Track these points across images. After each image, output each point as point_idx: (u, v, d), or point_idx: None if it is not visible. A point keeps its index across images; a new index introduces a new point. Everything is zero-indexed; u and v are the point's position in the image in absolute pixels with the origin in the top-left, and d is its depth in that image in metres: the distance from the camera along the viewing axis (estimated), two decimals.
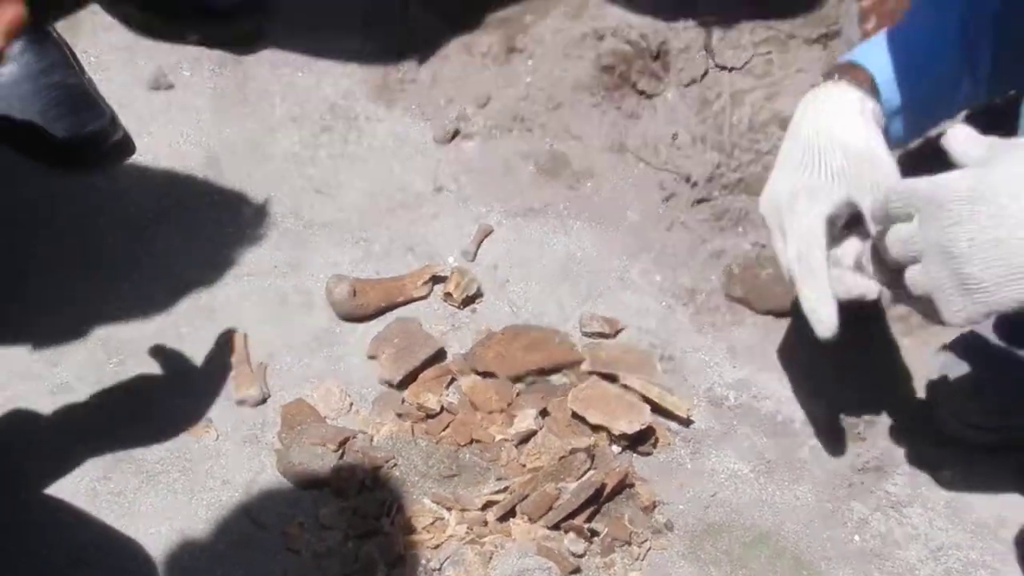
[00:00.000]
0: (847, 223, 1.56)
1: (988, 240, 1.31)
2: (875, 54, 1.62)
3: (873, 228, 1.49)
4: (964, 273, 1.33)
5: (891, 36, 1.63)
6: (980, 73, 1.66)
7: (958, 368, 1.77)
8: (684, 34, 2.14)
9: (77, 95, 1.94)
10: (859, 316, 1.81)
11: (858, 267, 1.53)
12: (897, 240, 1.38)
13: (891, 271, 1.44)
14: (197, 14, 2.11)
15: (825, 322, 1.53)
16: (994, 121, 1.66)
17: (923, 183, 1.36)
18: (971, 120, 1.96)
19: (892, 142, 1.62)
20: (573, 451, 1.71)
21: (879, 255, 1.44)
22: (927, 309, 1.40)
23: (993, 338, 1.73)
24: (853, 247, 1.55)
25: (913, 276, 1.38)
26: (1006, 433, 1.75)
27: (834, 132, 1.57)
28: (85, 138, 1.92)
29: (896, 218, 1.38)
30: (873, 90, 1.61)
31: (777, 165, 1.61)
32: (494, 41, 2.14)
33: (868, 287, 1.53)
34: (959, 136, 1.36)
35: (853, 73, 1.62)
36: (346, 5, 2.17)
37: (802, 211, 1.55)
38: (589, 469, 1.69)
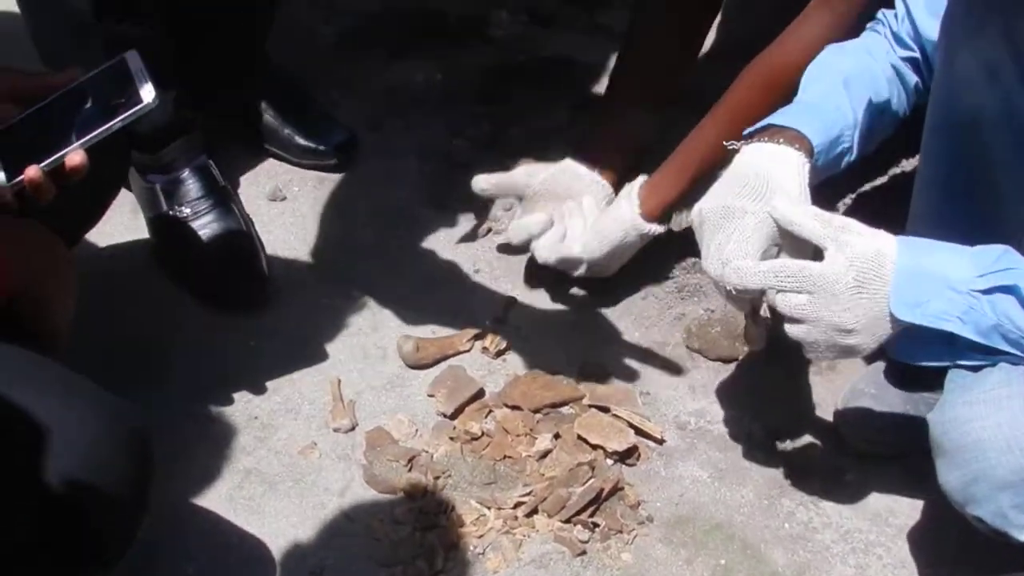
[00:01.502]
0: None
1: (872, 316, 1.29)
2: (808, 120, 1.48)
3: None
4: (846, 344, 1.32)
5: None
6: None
7: (855, 399, 1.71)
8: (658, 155, 2.08)
9: (244, 255, 1.90)
10: (782, 361, 1.79)
11: None
12: (787, 305, 1.33)
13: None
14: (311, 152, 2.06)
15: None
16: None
17: (815, 272, 1.31)
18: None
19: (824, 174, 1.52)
20: (579, 464, 1.66)
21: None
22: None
23: (882, 379, 1.68)
24: None
25: (794, 330, 1.35)
26: (889, 447, 1.71)
27: (773, 179, 1.42)
28: (243, 291, 1.90)
29: (784, 289, 1.33)
30: (810, 152, 1.46)
31: (713, 189, 1.47)
32: (516, 164, 2.10)
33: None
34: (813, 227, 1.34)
35: (792, 137, 1.46)
36: (404, 141, 2.16)
37: (735, 226, 1.41)
38: (591, 478, 1.64)
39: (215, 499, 1.65)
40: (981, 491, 1.28)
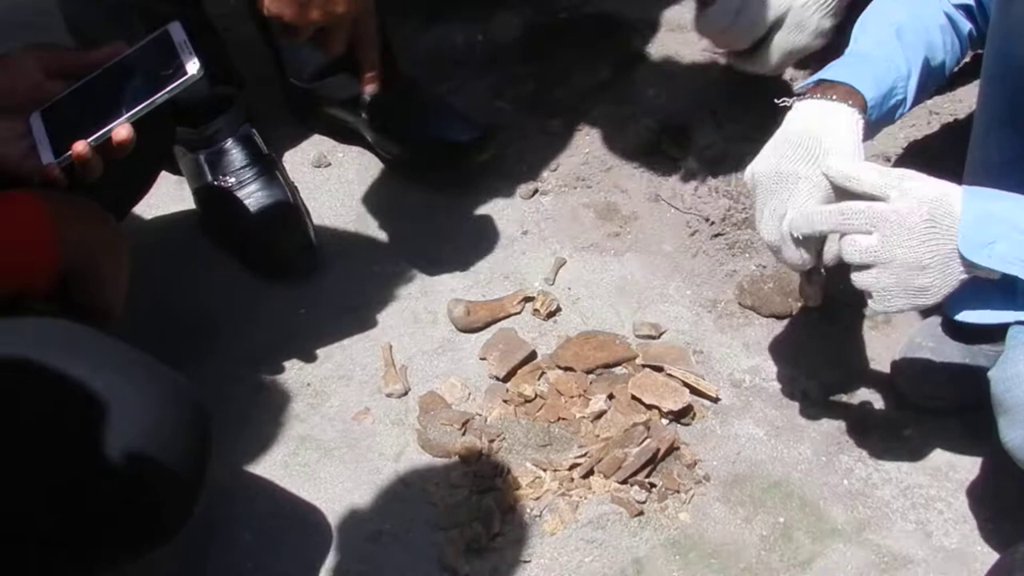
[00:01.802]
0: None
1: (945, 254, 1.26)
2: (860, 73, 1.44)
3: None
4: (919, 284, 1.27)
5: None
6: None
7: (912, 352, 1.68)
8: (699, 113, 2.09)
9: (290, 224, 1.89)
10: (837, 316, 1.76)
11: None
12: (855, 250, 1.28)
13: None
14: (443, 149, 1.98)
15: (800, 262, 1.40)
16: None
17: (888, 210, 1.27)
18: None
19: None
20: (634, 424, 1.64)
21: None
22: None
23: (940, 332, 1.65)
24: None
25: (863, 278, 1.30)
26: (949, 400, 1.68)
27: (826, 139, 1.37)
28: (290, 260, 1.89)
29: (851, 229, 1.29)
30: (863, 108, 1.41)
31: (765, 150, 1.43)
32: (560, 123, 2.09)
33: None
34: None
35: (845, 93, 1.41)
36: (451, 106, 2.10)
37: (789, 191, 1.38)
38: (647, 438, 1.63)
39: (270, 466, 1.65)
40: None
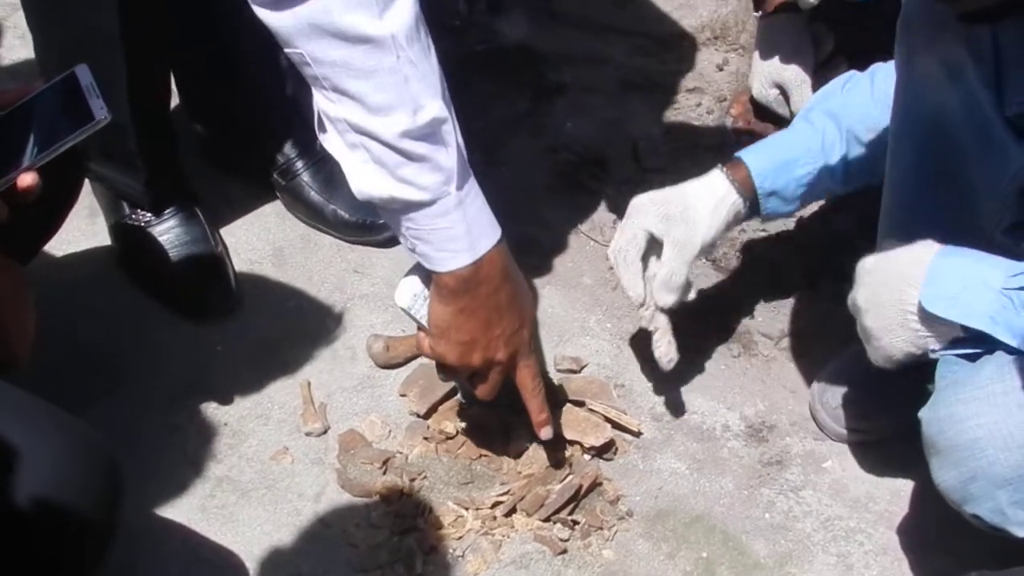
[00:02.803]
0: None
1: (875, 300, 1.27)
2: (755, 153, 1.61)
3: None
4: (864, 324, 1.30)
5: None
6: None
7: (831, 384, 1.70)
8: (617, 147, 2.09)
9: (210, 266, 1.84)
10: (753, 346, 1.76)
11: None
12: (848, 303, 1.36)
13: None
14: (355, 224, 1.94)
15: (635, 295, 1.58)
16: None
17: None
18: None
19: (772, 212, 1.63)
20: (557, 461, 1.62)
21: None
22: None
23: (856, 366, 1.66)
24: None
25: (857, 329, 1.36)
26: (867, 434, 1.69)
27: (687, 196, 1.58)
28: (210, 304, 1.84)
29: None
30: (746, 180, 1.58)
31: (642, 206, 1.60)
32: (479, 155, 2.06)
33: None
34: None
35: (733, 167, 1.59)
36: None
37: (630, 223, 1.58)
38: (569, 474, 1.61)
39: (187, 509, 1.60)
40: (979, 489, 1.24)
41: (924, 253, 1.27)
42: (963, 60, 1.27)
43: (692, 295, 1.64)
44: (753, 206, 1.61)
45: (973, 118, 1.30)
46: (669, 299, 1.57)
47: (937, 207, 1.39)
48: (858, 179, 1.62)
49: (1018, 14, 1.12)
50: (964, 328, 1.24)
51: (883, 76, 1.60)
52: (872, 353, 1.34)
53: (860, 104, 1.60)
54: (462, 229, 1.31)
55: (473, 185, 1.33)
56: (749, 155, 1.60)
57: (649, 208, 1.57)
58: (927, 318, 1.26)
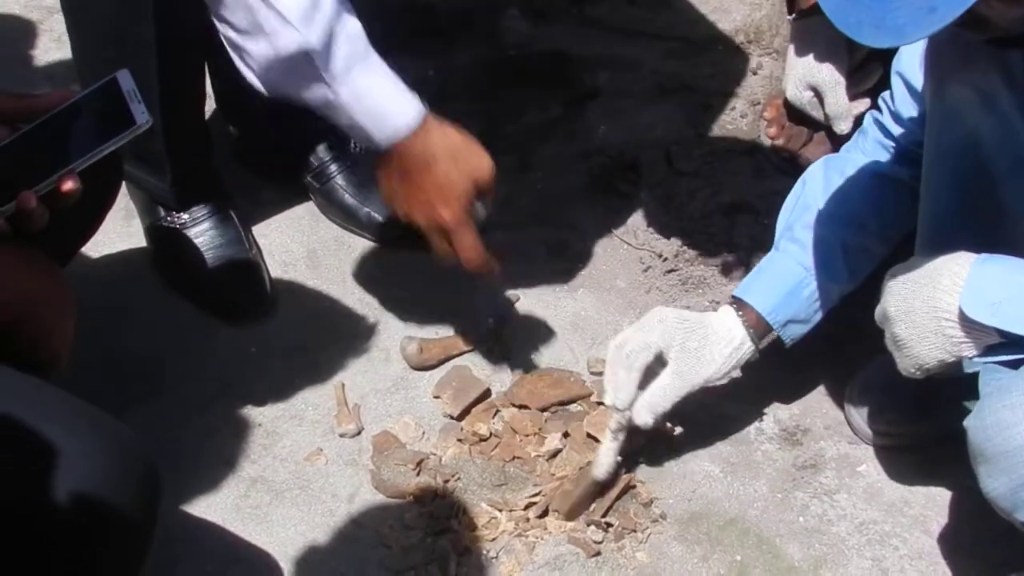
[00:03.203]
0: None
1: (905, 308, 1.25)
2: (757, 291, 1.61)
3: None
4: (894, 333, 1.27)
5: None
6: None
7: (866, 388, 1.70)
8: (650, 151, 2.09)
9: (244, 269, 1.86)
10: (787, 350, 1.76)
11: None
12: (876, 315, 1.33)
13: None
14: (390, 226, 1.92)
15: (622, 401, 1.54)
16: None
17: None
18: None
19: (795, 336, 1.62)
20: (590, 463, 1.61)
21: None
22: None
23: (892, 370, 1.64)
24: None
25: (885, 340, 1.34)
26: (902, 438, 1.68)
27: (708, 335, 1.57)
28: (245, 308, 1.85)
29: None
30: (759, 323, 1.58)
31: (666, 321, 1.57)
32: (511, 161, 2.08)
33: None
34: None
35: (745, 311, 1.59)
36: None
37: (648, 334, 1.55)
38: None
39: (222, 510, 1.61)
40: None
41: (959, 261, 1.25)
42: (996, 87, 1.28)
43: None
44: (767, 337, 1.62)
45: (1007, 144, 1.31)
46: (648, 419, 1.55)
47: (971, 232, 1.37)
48: (870, 264, 1.62)
49: None
50: (1001, 334, 1.23)
51: (854, 171, 1.62)
52: (902, 362, 1.32)
53: (841, 207, 1.61)
54: (363, 110, 1.43)
55: (368, 69, 1.44)
56: (752, 295, 1.60)
57: (673, 329, 1.55)
58: (967, 324, 1.24)
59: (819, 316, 1.62)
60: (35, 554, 1.07)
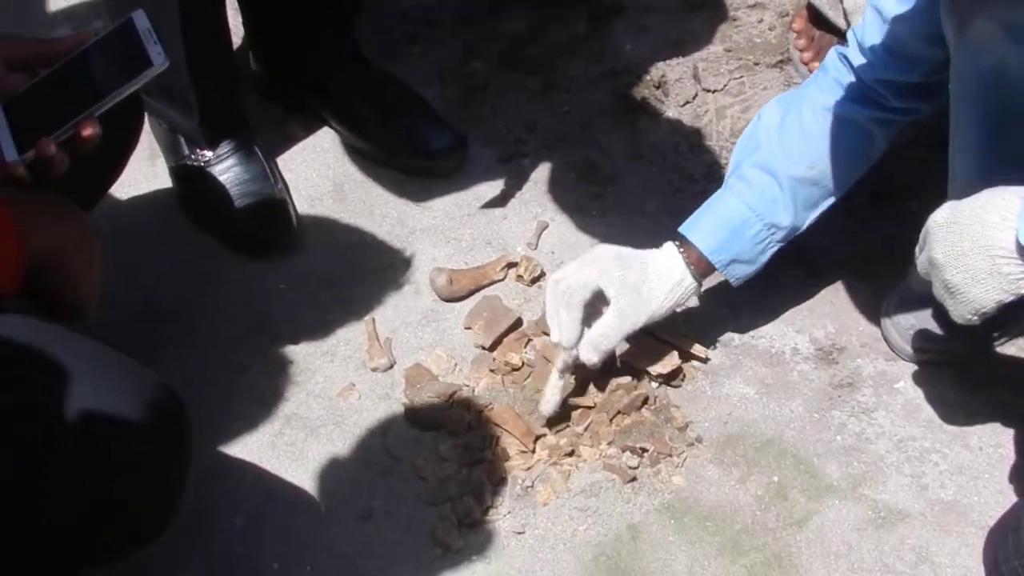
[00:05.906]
0: None
1: (955, 252, 1.23)
2: (700, 230, 1.61)
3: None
4: (945, 280, 1.26)
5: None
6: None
7: (902, 304, 1.69)
8: (677, 68, 2.07)
9: (270, 203, 1.85)
10: (821, 268, 1.75)
11: None
12: (919, 266, 1.32)
13: None
14: (416, 153, 1.95)
15: (567, 339, 1.55)
16: None
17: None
18: None
19: (740, 276, 1.62)
20: (617, 387, 1.64)
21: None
22: None
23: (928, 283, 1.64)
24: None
25: (933, 290, 1.32)
26: (940, 354, 1.68)
27: (648, 270, 1.57)
28: (272, 243, 1.86)
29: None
30: (700, 261, 1.58)
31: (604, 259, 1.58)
32: (536, 82, 2.07)
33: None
34: None
35: (686, 248, 1.59)
36: (422, 66, 2.10)
37: (586, 270, 1.55)
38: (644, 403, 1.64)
39: (257, 448, 1.64)
40: None
41: (1005, 196, 1.23)
42: (1022, 18, 1.25)
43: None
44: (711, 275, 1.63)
45: None
46: (593, 358, 1.56)
47: (1004, 163, 1.36)
48: (818, 207, 1.62)
49: None
50: None
51: (810, 110, 1.60)
52: (956, 309, 1.29)
53: (792, 146, 1.59)
54: None
55: None
56: (695, 234, 1.60)
57: (611, 265, 1.55)
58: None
59: (765, 257, 1.62)
60: (71, 502, 1.09)
